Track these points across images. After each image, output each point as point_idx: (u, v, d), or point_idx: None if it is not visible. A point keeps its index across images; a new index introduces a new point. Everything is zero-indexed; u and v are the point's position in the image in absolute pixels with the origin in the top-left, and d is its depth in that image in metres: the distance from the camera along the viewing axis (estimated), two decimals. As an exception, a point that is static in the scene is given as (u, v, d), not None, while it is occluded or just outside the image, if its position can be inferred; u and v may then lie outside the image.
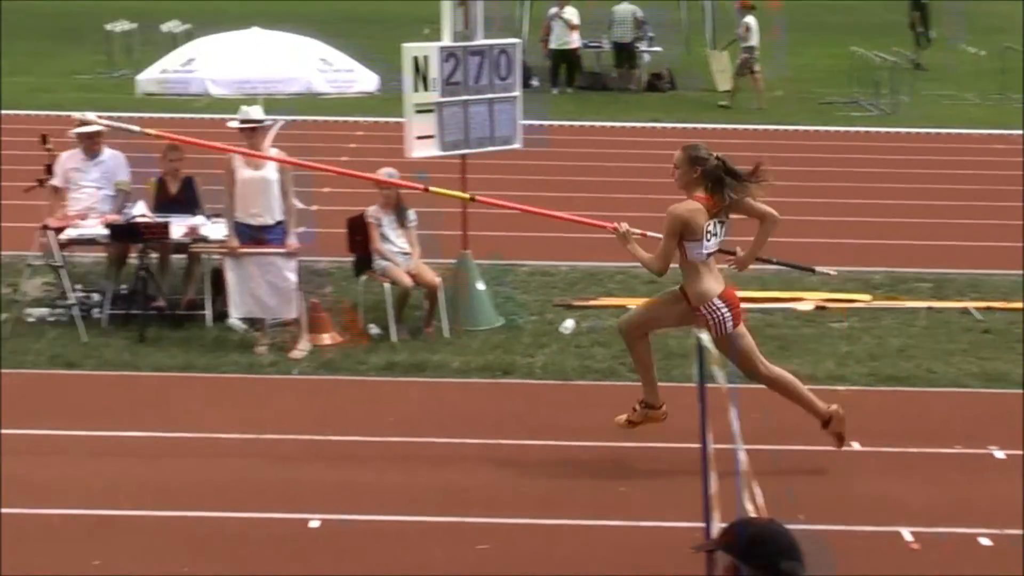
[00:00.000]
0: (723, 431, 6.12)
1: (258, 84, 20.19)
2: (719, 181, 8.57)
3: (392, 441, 9.63)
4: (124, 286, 12.47)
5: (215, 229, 12.00)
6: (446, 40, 11.86)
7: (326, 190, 16.55)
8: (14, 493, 8.62)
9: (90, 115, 13.14)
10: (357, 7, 43.78)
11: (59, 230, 12.06)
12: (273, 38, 23.06)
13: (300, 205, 11.97)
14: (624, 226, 9.17)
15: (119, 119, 18.40)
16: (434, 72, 11.66)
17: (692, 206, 8.60)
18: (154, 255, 12.27)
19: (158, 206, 12.38)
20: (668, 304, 8.94)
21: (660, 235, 8.85)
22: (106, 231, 12.02)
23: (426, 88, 11.67)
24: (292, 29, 21.55)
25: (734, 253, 9.24)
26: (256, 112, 11.52)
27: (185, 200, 12.42)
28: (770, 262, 10.65)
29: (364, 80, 25.26)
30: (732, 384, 6.43)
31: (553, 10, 27.60)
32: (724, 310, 8.66)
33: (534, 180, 18.01)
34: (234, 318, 11.81)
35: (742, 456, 5.98)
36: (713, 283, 8.68)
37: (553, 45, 27.57)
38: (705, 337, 6.24)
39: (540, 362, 11.30)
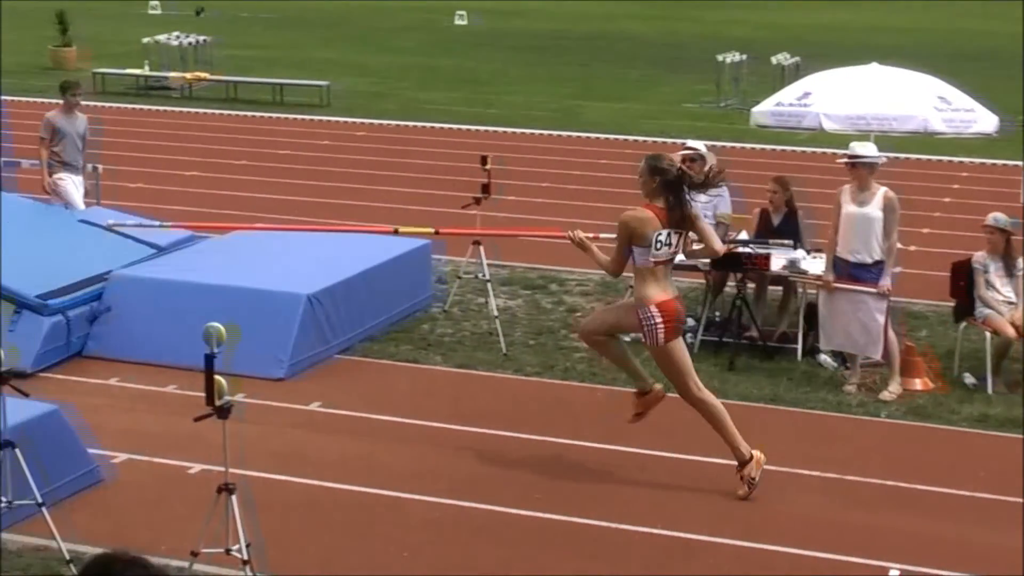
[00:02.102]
0: None
1: (872, 121, 19.89)
2: (677, 192, 8.77)
3: (981, 497, 9.21)
4: (718, 313, 12.64)
5: (814, 263, 11.93)
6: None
7: (925, 231, 16.17)
8: (597, 506, 8.91)
9: (694, 143, 13.42)
10: (967, 44, 42.58)
11: (668, 255, 12.33)
12: (891, 74, 22.64)
13: (899, 245, 11.71)
14: (578, 233, 9.44)
15: (721, 149, 18.77)
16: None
17: (641, 215, 8.84)
18: (751, 285, 12.34)
19: (760, 237, 12.43)
20: (625, 310, 9.19)
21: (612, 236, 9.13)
22: (707, 258, 12.17)
23: (1051, 132, 11.15)
24: (907, 65, 21.12)
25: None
26: (866, 148, 11.35)
27: (787, 233, 12.42)
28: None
29: (983, 121, 24.39)
30: None
31: None
32: (657, 319, 8.79)
33: None
34: (824, 353, 11.70)
35: None
36: (655, 290, 8.84)
37: None
38: None
39: None
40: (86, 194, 14.79)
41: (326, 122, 25.58)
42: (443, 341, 12.32)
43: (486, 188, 12.04)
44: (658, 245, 8.78)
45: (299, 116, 26.09)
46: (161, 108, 26.96)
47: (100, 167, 15.72)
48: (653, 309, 8.79)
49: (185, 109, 26.88)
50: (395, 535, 8.47)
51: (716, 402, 9.16)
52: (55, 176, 14.38)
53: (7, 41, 33.19)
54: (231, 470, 7.26)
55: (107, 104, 25.94)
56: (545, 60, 36.56)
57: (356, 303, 12.05)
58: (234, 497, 7.09)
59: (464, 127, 25.06)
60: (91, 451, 9.19)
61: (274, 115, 26.25)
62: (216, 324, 6.84)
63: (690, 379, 9.04)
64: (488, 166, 12.03)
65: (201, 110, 26.83)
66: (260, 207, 17.31)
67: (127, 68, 29.94)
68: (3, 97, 25.13)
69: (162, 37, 31.59)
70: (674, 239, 8.87)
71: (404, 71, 33.64)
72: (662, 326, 8.79)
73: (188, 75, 29.22)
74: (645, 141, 23.65)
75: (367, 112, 26.58)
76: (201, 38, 32.13)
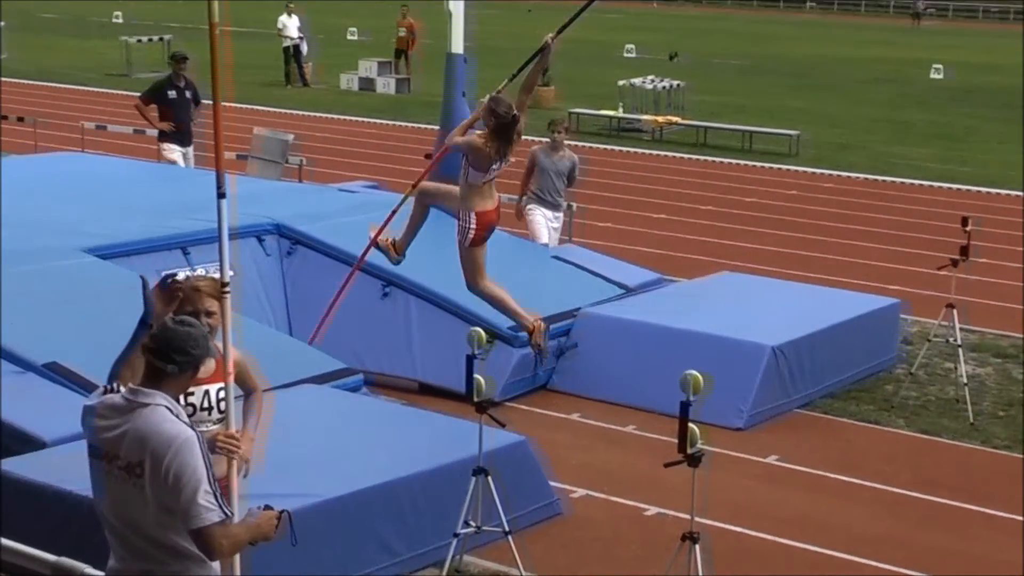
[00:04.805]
0: None
1: None
2: (504, 135, 9.92)
3: None
4: None
5: None
6: None
7: None
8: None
9: None
10: None
11: None
12: None
13: None
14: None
15: None
16: None
17: (488, 148, 10.03)
18: None
19: None
20: (454, 196, 10.29)
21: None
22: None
23: None
24: None
25: None
26: None
27: None
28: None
29: None
30: None
31: None
32: (472, 225, 10.06)
33: None
34: None
35: None
36: (479, 200, 10.07)
37: None
38: None
39: None
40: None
41: (793, 172, 25.39)
42: (906, 404, 11.97)
43: (964, 250, 11.64)
44: (491, 172, 10.12)
45: (767, 164, 26.00)
46: (632, 150, 27.42)
47: (575, 205, 16.11)
48: (472, 216, 10.08)
49: (655, 152, 27.25)
50: (849, 600, 8.30)
51: (497, 290, 10.41)
52: (527, 207, 14.78)
53: (488, 79, 34.54)
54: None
55: (581, 144, 26.57)
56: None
57: (820, 358, 11.88)
58: (698, 546, 7.10)
59: (935, 184, 24.37)
60: (551, 484, 9.42)
61: (742, 162, 26.26)
62: (694, 372, 6.88)
63: (479, 275, 10.37)
64: (969, 227, 11.64)
65: (671, 153, 27.13)
66: (724, 254, 17.35)
67: (601, 109, 30.65)
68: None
69: (637, 80, 32.15)
70: (500, 164, 10.20)
71: (873, 124, 33.04)
72: (472, 232, 10.11)
73: (660, 118, 29.63)
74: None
75: (835, 164, 26.23)
76: (674, 83, 32.52)
